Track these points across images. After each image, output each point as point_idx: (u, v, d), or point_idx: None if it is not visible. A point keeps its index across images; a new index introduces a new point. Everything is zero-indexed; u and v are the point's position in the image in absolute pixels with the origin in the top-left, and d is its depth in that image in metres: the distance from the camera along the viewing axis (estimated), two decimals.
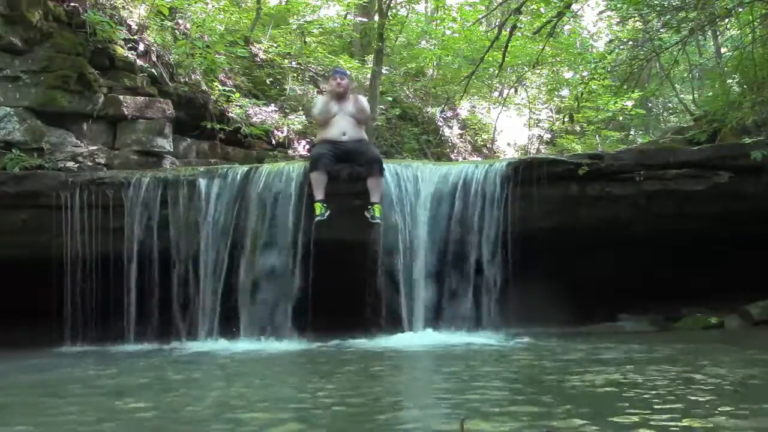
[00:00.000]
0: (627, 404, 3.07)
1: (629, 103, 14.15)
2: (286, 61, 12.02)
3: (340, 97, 7.26)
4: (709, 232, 7.05)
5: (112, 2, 8.39)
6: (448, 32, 15.47)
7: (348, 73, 7.88)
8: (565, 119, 14.16)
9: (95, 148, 7.75)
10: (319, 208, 6.63)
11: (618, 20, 13.40)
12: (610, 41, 13.50)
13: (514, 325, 6.85)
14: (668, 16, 9.24)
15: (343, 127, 7.10)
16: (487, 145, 15.82)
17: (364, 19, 14.59)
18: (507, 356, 5.16)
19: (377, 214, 6.70)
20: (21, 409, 3.51)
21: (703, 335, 6.44)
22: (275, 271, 6.69)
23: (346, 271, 6.87)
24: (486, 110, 16.88)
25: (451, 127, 15.03)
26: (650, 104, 17.78)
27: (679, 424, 2.61)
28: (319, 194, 6.69)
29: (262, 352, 5.90)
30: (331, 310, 6.80)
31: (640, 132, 18.27)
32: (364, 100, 7.68)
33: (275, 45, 12.23)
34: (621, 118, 15.78)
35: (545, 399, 3.31)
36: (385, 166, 6.99)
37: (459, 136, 15.23)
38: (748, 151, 6.69)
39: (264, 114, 10.31)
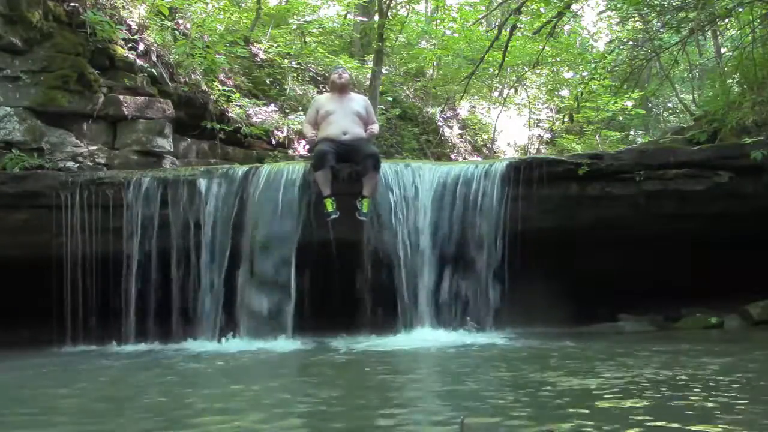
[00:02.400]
0: (627, 405, 3.07)
1: (629, 103, 14.14)
2: (286, 61, 12.02)
3: (341, 90, 7.20)
4: (709, 232, 7.05)
5: (112, 2, 8.38)
6: (448, 32, 15.46)
7: (344, 69, 7.78)
8: (565, 119, 14.17)
9: (95, 148, 7.74)
10: (329, 204, 6.59)
11: (618, 20, 13.40)
12: (610, 41, 13.51)
13: (513, 325, 6.85)
14: (668, 16, 9.25)
15: (343, 126, 7.02)
16: (487, 145, 15.82)
17: (364, 19, 14.58)
18: (507, 356, 5.16)
19: (365, 210, 6.64)
20: None
21: (704, 335, 6.44)
22: (276, 271, 6.68)
23: (346, 271, 6.88)
24: (486, 110, 16.88)
25: (451, 127, 15.03)
26: (650, 104, 17.79)
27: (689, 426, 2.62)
28: (326, 190, 6.66)
29: (263, 353, 5.90)
30: (333, 310, 6.81)
31: (640, 132, 18.28)
32: (368, 101, 7.71)
33: (275, 45, 12.23)
34: (621, 118, 15.78)
35: (546, 399, 3.31)
36: (385, 165, 6.98)
37: (459, 136, 15.23)
38: (748, 151, 6.69)
39: (264, 114, 10.30)
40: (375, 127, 7.54)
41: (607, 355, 4.92)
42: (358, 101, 7.46)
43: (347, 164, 6.90)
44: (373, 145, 7.38)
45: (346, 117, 7.10)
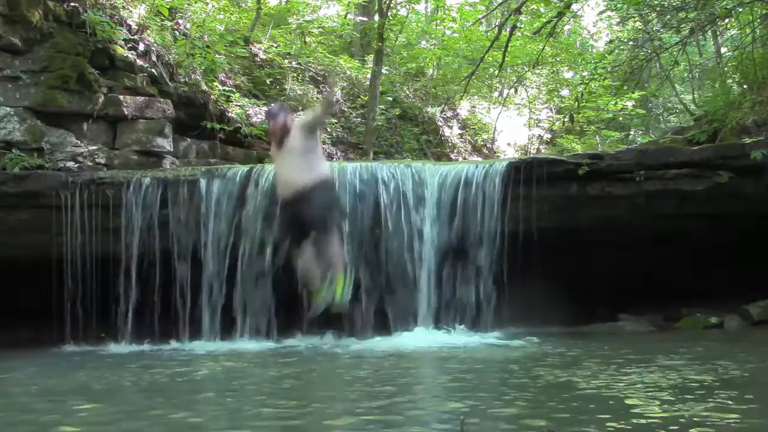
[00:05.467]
0: (628, 406, 3.07)
1: (629, 104, 14.13)
2: (286, 61, 12.01)
3: (280, 142, 5.38)
4: (709, 232, 7.05)
5: (112, 2, 8.38)
6: (448, 32, 15.45)
7: (278, 110, 5.63)
8: (566, 120, 14.16)
9: (95, 148, 7.74)
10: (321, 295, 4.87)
11: (618, 20, 13.40)
12: (610, 41, 13.49)
13: (514, 325, 6.86)
14: (668, 16, 9.24)
15: (286, 177, 5.28)
16: (487, 145, 15.81)
17: (364, 19, 14.58)
18: (507, 356, 5.16)
19: (338, 298, 4.76)
20: None
21: (704, 335, 6.44)
22: (275, 271, 6.68)
23: None
24: (486, 110, 16.87)
25: (451, 127, 15.02)
26: (650, 104, 17.76)
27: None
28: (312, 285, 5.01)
29: (263, 352, 5.90)
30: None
31: (640, 132, 18.26)
32: (304, 120, 5.52)
33: (275, 45, 12.22)
34: (621, 119, 15.77)
35: (545, 399, 3.31)
36: (385, 167, 6.95)
37: (459, 136, 15.22)
38: (748, 151, 6.70)
39: (264, 114, 10.29)
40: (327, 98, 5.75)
41: (606, 355, 4.92)
42: (294, 133, 5.34)
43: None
44: (328, 187, 5.29)
45: (288, 159, 5.32)
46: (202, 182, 6.96)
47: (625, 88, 12.72)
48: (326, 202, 5.17)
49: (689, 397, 3.16)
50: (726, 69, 10.61)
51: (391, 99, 13.63)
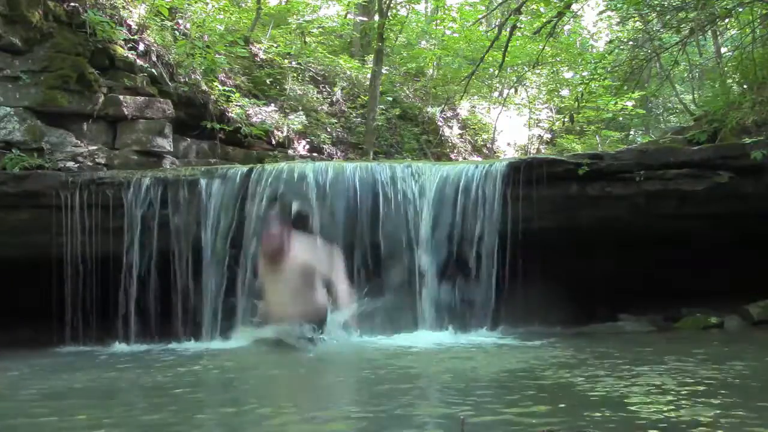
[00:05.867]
0: (629, 407, 3.07)
1: (629, 104, 14.14)
2: (286, 61, 12.02)
3: (273, 259, 5.27)
4: (709, 232, 7.05)
5: (112, 2, 8.38)
6: (448, 32, 15.46)
7: (275, 222, 5.57)
8: (566, 120, 14.16)
9: (95, 148, 7.74)
10: None
11: (618, 20, 13.40)
12: (610, 41, 13.50)
13: (513, 325, 6.85)
14: (668, 16, 9.25)
15: (279, 309, 5.12)
16: (487, 145, 15.81)
17: (364, 19, 14.60)
18: (507, 356, 5.16)
19: None
20: None
21: (704, 335, 6.45)
22: None
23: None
24: (486, 110, 16.87)
25: (451, 127, 15.02)
26: (650, 104, 17.76)
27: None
28: None
29: (262, 353, 5.90)
30: None
31: (640, 132, 18.27)
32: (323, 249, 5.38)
33: (275, 45, 12.23)
34: (621, 119, 15.79)
35: (546, 399, 3.31)
36: (386, 167, 6.95)
37: (459, 136, 15.22)
38: (748, 151, 6.70)
39: (264, 114, 10.30)
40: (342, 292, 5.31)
41: (607, 355, 4.92)
42: (292, 260, 5.14)
43: None
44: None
45: (278, 289, 5.26)
46: (202, 182, 6.96)
47: (625, 88, 12.74)
48: None
49: (691, 397, 3.16)
50: (726, 69, 10.61)
51: (391, 99, 13.64)
